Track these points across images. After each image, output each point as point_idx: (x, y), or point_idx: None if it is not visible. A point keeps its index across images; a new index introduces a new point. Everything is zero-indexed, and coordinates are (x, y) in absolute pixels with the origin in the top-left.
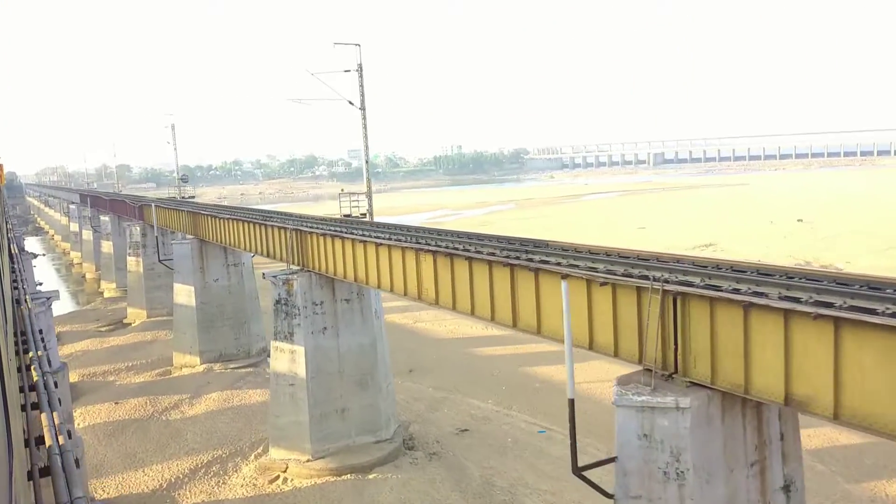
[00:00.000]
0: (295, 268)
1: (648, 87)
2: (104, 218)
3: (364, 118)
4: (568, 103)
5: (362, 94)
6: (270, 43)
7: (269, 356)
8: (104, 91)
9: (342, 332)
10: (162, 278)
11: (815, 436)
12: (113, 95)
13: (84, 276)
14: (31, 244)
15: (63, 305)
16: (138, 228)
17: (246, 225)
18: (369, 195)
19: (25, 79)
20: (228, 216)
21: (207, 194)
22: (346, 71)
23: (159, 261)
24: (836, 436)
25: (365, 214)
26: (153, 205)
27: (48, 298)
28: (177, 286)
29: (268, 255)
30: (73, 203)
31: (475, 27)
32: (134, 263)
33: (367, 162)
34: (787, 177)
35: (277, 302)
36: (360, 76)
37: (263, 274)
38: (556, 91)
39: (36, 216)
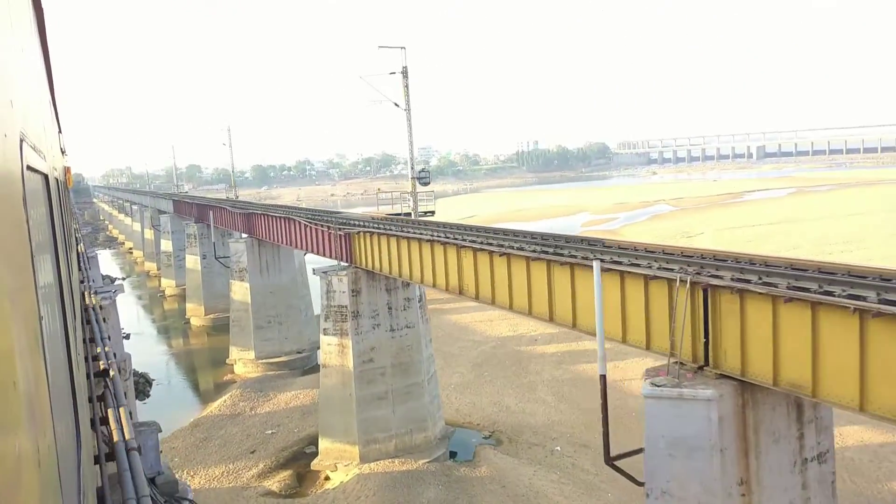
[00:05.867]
0: None
1: (728, 78)
2: (237, 245)
3: None
4: (643, 96)
5: None
6: (339, 42)
7: None
8: (165, 91)
9: None
10: (385, 378)
11: None
12: (174, 95)
13: (188, 322)
14: (106, 261)
15: (171, 385)
16: (345, 279)
17: None
18: None
19: (85, 78)
20: None
21: (284, 196)
22: None
23: None
24: None
25: None
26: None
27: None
28: None
29: None
30: (162, 212)
31: (542, 21)
32: (336, 352)
33: None
34: None
35: None
36: None
37: None
38: (629, 84)
39: (107, 223)
